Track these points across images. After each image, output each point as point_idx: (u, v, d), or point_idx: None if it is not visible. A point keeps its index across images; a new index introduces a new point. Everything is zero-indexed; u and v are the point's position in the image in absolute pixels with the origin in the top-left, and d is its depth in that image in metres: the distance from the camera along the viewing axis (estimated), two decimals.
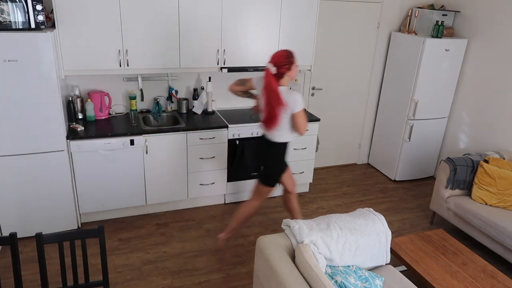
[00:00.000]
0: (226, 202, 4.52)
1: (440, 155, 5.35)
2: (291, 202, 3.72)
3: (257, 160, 3.66)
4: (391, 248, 3.19)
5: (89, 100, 3.96)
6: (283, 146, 3.28)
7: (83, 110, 4.01)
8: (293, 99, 3.04)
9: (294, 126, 3.16)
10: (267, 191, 3.45)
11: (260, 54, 4.25)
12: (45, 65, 3.23)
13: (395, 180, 5.31)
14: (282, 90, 3.07)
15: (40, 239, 2.22)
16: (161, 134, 3.87)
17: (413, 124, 4.94)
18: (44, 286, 2.29)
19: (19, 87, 3.21)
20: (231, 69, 4.19)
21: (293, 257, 2.47)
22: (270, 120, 3.12)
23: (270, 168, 3.37)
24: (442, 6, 5.03)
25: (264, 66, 4.29)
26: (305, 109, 3.26)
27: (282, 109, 3.05)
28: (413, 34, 4.86)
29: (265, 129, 3.23)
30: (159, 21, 3.76)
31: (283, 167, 3.42)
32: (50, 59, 3.23)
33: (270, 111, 3.08)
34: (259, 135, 3.47)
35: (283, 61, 3.03)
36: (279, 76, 3.06)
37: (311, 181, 4.81)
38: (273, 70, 3.03)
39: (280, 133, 3.20)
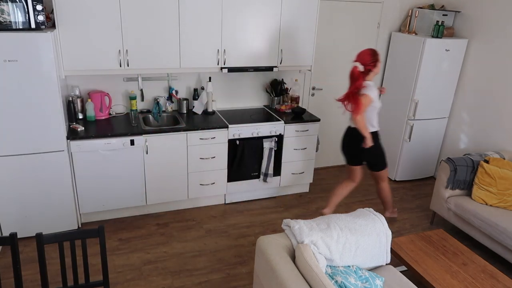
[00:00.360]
0: (226, 202, 4.52)
1: (440, 155, 5.35)
2: (382, 191, 4.08)
3: (351, 152, 3.97)
4: (391, 248, 3.19)
5: (89, 100, 3.96)
6: (373, 135, 3.69)
7: (83, 110, 4.01)
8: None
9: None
10: (384, 174, 3.96)
11: (260, 54, 4.25)
12: (45, 65, 3.23)
13: (395, 180, 5.31)
14: (369, 84, 3.53)
15: (40, 239, 2.22)
16: (161, 134, 3.87)
17: (413, 124, 4.94)
18: (44, 286, 2.29)
19: (19, 87, 3.21)
20: (231, 69, 4.19)
21: (293, 257, 2.47)
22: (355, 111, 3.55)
23: (372, 156, 3.84)
24: (442, 6, 5.03)
25: (264, 66, 4.31)
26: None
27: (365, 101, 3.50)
28: (413, 34, 4.86)
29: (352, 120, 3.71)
30: (159, 21, 3.76)
31: (380, 151, 3.85)
32: (50, 59, 3.23)
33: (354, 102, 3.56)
34: (351, 126, 3.86)
35: (369, 59, 3.50)
36: (366, 73, 3.53)
37: (311, 181, 4.81)
38: (361, 68, 3.50)
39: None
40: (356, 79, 3.54)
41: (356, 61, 3.53)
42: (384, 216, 3.84)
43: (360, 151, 3.79)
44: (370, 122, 3.69)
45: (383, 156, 3.89)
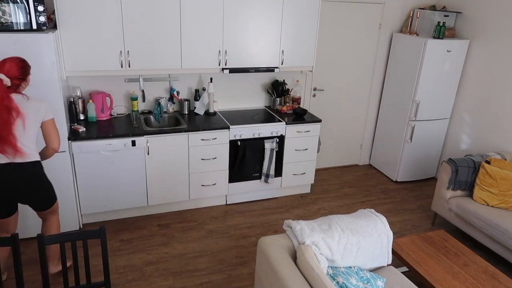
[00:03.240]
0: (227, 203, 4.52)
1: (442, 156, 5.35)
2: None
3: None
4: (392, 249, 3.18)
5: (90, 101, 3.96)
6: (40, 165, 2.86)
7: (84, 111, 4.02)
8: (42, 107, 2.74)
9: (47, 139, 2.85)
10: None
11: (261, 55, 4.25)
12: (47, 66, 3.23)
13: (396, 181, 5.30)
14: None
15: (41, 240, 2.22)
16: (163, 135, 3.87)
17: (414, 125, 4.93)
18: (46, 287, 2.29)
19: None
20: (232, 70, 4.19)
21: (294, 258, 2.47)
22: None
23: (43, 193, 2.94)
24: (444, 7, 5.03)
25: (266, 67, 4.30)
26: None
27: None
28: (415, 35, 4.85)
29: None
30: (160, 22, 3.77)
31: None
32: (52, 60, 3.23)
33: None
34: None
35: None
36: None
37: (313, 182, 4.81)
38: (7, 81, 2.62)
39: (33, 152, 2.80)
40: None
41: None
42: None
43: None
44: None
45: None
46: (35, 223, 3.65)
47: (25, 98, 2.70)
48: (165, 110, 4.41)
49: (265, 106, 4.90)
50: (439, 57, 4.69)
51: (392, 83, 5.20)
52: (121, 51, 3.73)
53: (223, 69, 4.16)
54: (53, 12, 3.52)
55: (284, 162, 4.49)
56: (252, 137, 4.23)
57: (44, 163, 2.89)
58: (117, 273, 3.35)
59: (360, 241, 2.64)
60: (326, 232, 2.57)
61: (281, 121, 4.35)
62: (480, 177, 3.87)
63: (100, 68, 3.72)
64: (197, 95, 4.45)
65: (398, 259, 3.18)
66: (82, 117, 4.02)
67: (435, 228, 4.28)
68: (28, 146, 2.72)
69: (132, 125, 3.96)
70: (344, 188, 5.08)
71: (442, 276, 2.91)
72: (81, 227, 3.93)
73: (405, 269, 3.30)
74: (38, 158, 2.82)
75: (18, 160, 2.69)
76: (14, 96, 2.64)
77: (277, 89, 4.75)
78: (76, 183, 3.73)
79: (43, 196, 2.91)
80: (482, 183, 3.85)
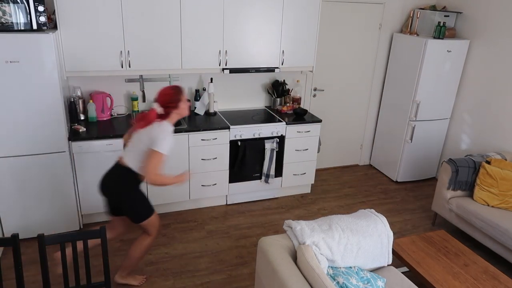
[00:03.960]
0: (228, 203, 4.52)
1: (442, 156, 5.35)
2: None
3: None
4: (392, 249, 3.18)
5: (91, 101, 3.97)
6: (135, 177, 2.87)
7: (85, 111, 4.02)
8: (161, 136, 2.73)
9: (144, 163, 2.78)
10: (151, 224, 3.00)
11: (262, 55, 4.25)
12: (47, 66, 3.23)
13: (397, 181, 5.30)
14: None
15: (42, 240, 2.22)
16: None
17: (415, 125, 4.93)
18: (46, 287, 2.29)
19: (21, 88, 3.21)
20: (233, 70, 4.20)
21: (294, 258, 2.47)
22: None
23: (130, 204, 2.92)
24: (444, 7, 5.03)
25: (266, 67, 4.30)
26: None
27: None
28: (415, 35, 4.85)
29: None
30: (161, 22, 3.77)
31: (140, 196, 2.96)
32: (52, 60, 3.23)
33: None
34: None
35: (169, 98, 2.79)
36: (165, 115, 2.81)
37: (313, 182, 4.81)
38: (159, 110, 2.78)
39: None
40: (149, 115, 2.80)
41: (155, 101, 2.80)
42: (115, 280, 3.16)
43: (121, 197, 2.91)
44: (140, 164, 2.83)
45: (145, 201, 2.97)
46: (36, 223, 3.65)
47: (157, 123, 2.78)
48: None
49: (265, 106, 4.90)
50: (440, 57, 4.69)
51: (392, 83, 5.20)
52: (121, 51, 3.73)
53: (223, 69, 4.16)
54: (54, 12, 3.52)
55: (284, 162, 4.49)
56: (252, 137, 4.23)
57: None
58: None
59: (361, 241, 2.64)
60: (327, 232, 2.57)
61: (281, 121, 4.35)
62: (481, 177, 3.87)
63: (100, 68, 3.73)
64: (197, 95, 4.45)
65: (398, 259, 3.18)
66: (82, 117, 4.02)
67: (435, 228, 4.28)
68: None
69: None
70: (344, 188, 5.07)
71: (442, 276, 2.91)
72: (81, 227, 3.93)
73: (405, 269, 3.30)
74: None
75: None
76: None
77: (278, 89, 4.75)
78: (76, 183, 3.73)
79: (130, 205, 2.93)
80: (482, 183, 3.84)
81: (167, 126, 2.77)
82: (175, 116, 2.83)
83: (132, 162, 2.82)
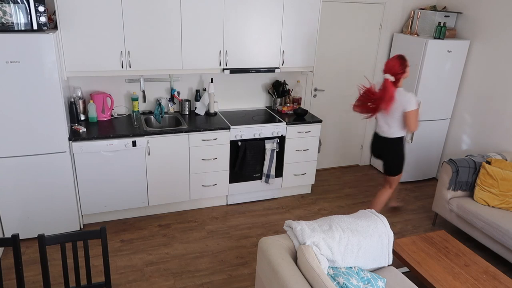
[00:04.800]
0: (228, 203, 4.52)
1: (442, 157, 5.34)
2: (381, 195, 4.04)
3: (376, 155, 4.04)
4: (393, 249, 3.18)
5: (91, 101, 3.97)
6: (401, 140, 3.77)
7: (85, 112, 4.02)
8: (406, 99, 3.51)
9: (405, 123, 3.62)
10: (395, 181, 3.94)
11: (262, 56, 4.25)
12: (47, 66, 3.23)
13: None
14: (401, 91, 3.56)
15: (42, 241, 2.22)
16: (163, 135, 3.87)
17: None
18: (46, 287, 2.29)
19: (21, 89, 3.22)
20: (233, 71, 4.20)
21: (295, 259, 2.47)
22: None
23: (392, 159, 3.85)
24: (444, 7, 5.03)
25: (266, 68, 4.31)
26: (417, 109, 3.60)
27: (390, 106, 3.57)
28: (415, 35, 4.85)
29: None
30: (161, 22, 3.77)
31: (401, 157, 3.85)
32: (52, 60, 3.24)
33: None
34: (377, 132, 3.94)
35: (398, 68, 3.52)
36: (396, 81, 3.56)
37: (313, 183, 4.81)
38: (392, 78, 3.53)
39: (393, 130, 3.72)
40: (389, 90, 3.53)
41: (385, 72, 3.55)
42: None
43: (386, 152, 3.86)
44: (402, 126, 3.68)
45: (402, 163, 3.85)
46: (37, 223, 3.65)
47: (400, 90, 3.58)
48: (165, 110, 4.41)
49: (266, 107, 4.90)
50: (440, 57, 4.69)
51: None
52: (121, 52, 3.73)
53: (223, 69, 4.16)
54: (54, 13, 3.52)
55: (284, 162, 4.49)
56: (252, 137, 4.23)
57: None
58: (117, 274, 3.35)
59: (361, 241, 2.64)
60: (327, 233, 2.57)
61: (281, 122, 4.35)
62: (481, 178, 3.86)
63: (100, 69, 3.73)
64: (197, 96, 4.45)
65: (398, 260, 3.18)
66: (82, 117, 4.02)
67: (435, 229, 4.27)
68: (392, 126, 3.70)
69: (133, 125, 3.96)
70: (344, 189, 5.07)
71: (442, 277, 2.91)
72: (82, 227, 3.93)
73: (405, 269, 3.30)
74: (397, 135, 3.74)
75: (384, 135, 3.79)
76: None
77: (278, 89, 4.75)
78: (76, 183, 3.73)
79: (388, 162, 3.87)
80: (482, 184, 3.84)
81: (401, 90, 3.55)
82: (402, 80, 3.58)
83: (394, 130, 3.69)
